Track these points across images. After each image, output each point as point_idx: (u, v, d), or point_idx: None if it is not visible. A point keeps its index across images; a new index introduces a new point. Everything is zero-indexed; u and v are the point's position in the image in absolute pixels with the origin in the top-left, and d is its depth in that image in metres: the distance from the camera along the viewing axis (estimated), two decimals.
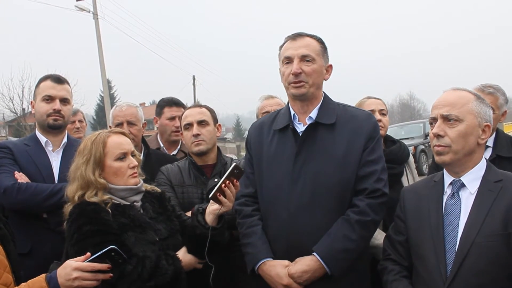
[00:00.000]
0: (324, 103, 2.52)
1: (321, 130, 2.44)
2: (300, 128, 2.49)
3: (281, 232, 2.41)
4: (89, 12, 22.00)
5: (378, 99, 3.34)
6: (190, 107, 3.11)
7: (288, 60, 2.47)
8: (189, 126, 2.97)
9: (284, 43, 2.53)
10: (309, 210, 2.35)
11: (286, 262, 2.36)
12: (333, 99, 2.61)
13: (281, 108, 2.70)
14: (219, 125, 3.15)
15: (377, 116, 3.17)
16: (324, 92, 2.58)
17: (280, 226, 2.41)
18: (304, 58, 2.42)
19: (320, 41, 2.52)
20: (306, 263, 2.31)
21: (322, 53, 2.49)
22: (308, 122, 2.47)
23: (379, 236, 2.74)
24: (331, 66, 2.56)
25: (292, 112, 2.54)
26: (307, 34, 2.52)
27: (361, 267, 2.45)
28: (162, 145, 4.07)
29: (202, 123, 2.98)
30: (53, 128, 3.06)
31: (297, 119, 2.52)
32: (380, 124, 3.16)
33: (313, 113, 2.49)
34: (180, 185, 2.91)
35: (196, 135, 2.93)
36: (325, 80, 2.54)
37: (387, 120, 3.28)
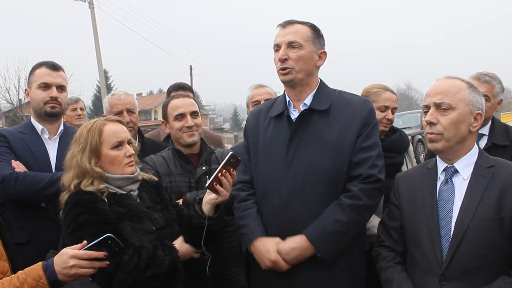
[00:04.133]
0: (319, 89, 2.53)
1: (314, 117, 2.45)
2: (295, 114, 2.50)
3: (273, 217, 2.44)
4: (84, 1, 21.84)
5: (394, 93, 3.24)
6: (177, 97, 3.09)
7: (277, 48, 2.48)
8: (181, 116, 2.97)
9: (276, 31, 2.53)
10: (301, 196, 2.38)
11: (278, 239, 2.40)
12: (333, 86, 2.61)
13: (279, 96, 2.71)
14: (201, 114, 3.17)
15: (389, 114, 3.14)
16: (320, 79, 2.58)
17: (273, 211, 2.44)
18: (291, 45, 2.43)
19: (312, 27, 2.50)
20: (296, 241, 2.34)
21: (313, 39, 2.47)
22: (302, 109, 2.48)
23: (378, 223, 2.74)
24: (324, 52, 2.54)
25: (288, 99, 2.55)
26: (298, 21, 2.51)
27: (356, 254, 2.47)
28: None
29: (194, 114, 3.00)
30: (51, 116, 3.04)
31: (292, 106, 2.54)
32: (387, 122, 3.15)
33: (308, 100, 2.50)
34: (167, 175, 2.91)
35: (191, 126, 2.95)
36: (318, 66, 2.53)
37: (394, 117, 3.23)
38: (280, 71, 2.47)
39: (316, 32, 2.50)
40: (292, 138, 2.44)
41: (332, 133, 2.41)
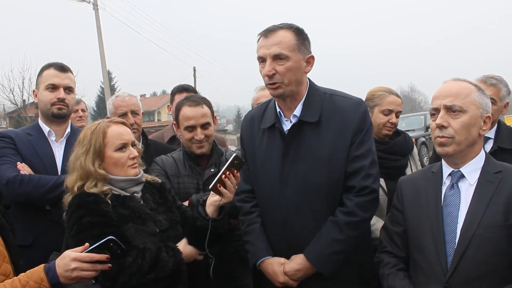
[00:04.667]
0: (308, 96, 2.42)
1: (306, 129, 2.38)
2: (287, 125, 2.44)
3: (277, 233, 2.45)
4: (89, 2, 21.93)
5: (399, 97, 3.20)
6: (190, 104, 2.95)
7: (261, 60, 2.35)
8: (191, 128, 2.90)
9: (258, 40, 2.38)
10: (301, 213, 2.37)
11: (282, 259, 2.41)
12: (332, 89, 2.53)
13: (270, 99, 2.59)
14: (215, 117, 3.11)
15: (393, 118, 3.11)
16: (309, 81, 2.47)
17: (275, 228, 2.45)
18: (277, 57, 2.28)
19: (296, 32, 2.34)
20: (298, 262, 2.36)
21: (299, 46, 2.32)
22: (293, 120, 2.41)
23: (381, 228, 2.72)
24: (312, 57, 2.40)
25: (278, 110, 2.47)
26: (281, 26, 2.34)
27: (358, 260, 2.45)
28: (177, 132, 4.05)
29: (205, 125, 2.92)
30: (58, 117, 3.03)
31: (283, 116, 2.46)
32: (391, 126, 3.12)
33: (297, 110, 2.40)
34: (176, 176, 2.90)
35: (201, 140, 2.89)
36: (306, 72, 2.42)
37: (398, 121, 3.20)
38: (269, 86, 2.36)
39: (300, 37, 2.35)
40: (286, 153, 2.39)
41: (324, 146, 2.34)
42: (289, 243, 2.41)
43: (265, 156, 2.48)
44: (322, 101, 2.41)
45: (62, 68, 3.06)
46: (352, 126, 2.35)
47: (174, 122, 3.07)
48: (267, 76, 2.32)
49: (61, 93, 3.00)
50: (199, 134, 2.88)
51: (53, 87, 3.01)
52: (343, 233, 2.30)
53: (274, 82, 2.32)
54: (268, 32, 2.34)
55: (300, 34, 2.35)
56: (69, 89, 3.06)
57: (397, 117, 3.14)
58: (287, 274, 2.37)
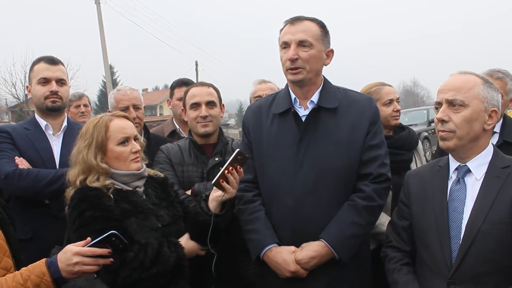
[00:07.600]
0: (324, 87, 2.49)
1: (323, 115, 2.42)
2: (302, 112, 2.46)
3: (286, 218, 2.40)
4: None
5: (391, 86, 3.28)
6: (197, 85, 3.02)
7: (285, 45, 2.40)
8: (196, 106, 2.91)
9: (283, 27, 2.46)
10: (314, 196, 2.35)
11: (293, 248, 2.37)
12: (335, 83, 2.59)
13: (278, 91, 2.65)
14: (223, 105, 3.09)
15: (396, 106, 3.18)
16: (323, 76, 2.54)
17: (285, 212, 2.40)
18: (301, 43, 2.36)
19: (320, 24, 2.44)
20: (313, 249, 2.32)
21: (322, 37, 2.41)
22: (310, 107, 2.45)
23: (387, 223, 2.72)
24: (332, 51, 2.49)
25: (293, 96, 2.50)
26: (306, 17, 2.44)
27: (364, 251, 2.49)
28: (177, 127, 4.05)
29: (210, 104, 2.92)
30: (52, 110, 3.01)
31: (297, 103, 2.49)
32: (397, 113, 3.18)
33: (314, 97, 2.46)
34: (180, 164, 2.89)
35: (205, 117, 2.88)
36: (325, 65, 2.49)
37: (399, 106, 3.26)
38: (290, 71, 2.40)
39: (324, 30, 2.45)
40: (302, 137, 2.40)
41: (342, 132, 2.39)
42: (298, 228, 2.37)
43: (275, 141, 2.47)
44: (337, 93, 2.49)
45: (52, 61, 3.04)
46: (368, 117, 2.43)
47: (183, 108, 3.05)
48: (290, 60, 2.37)
49: (53, 86, 2.99)
50: (203, 111, 2.87)
51: (45, 81, 2.99)
52: (363, 217, 2.33)
53: (296, 66, 2.37)
54: (294, 20, 2.42)
55: (323, 28, 2.45)
56: (61, 82, 3.05)
57: (397, 103, 3.21)
58: (299, 263, 2.32)
